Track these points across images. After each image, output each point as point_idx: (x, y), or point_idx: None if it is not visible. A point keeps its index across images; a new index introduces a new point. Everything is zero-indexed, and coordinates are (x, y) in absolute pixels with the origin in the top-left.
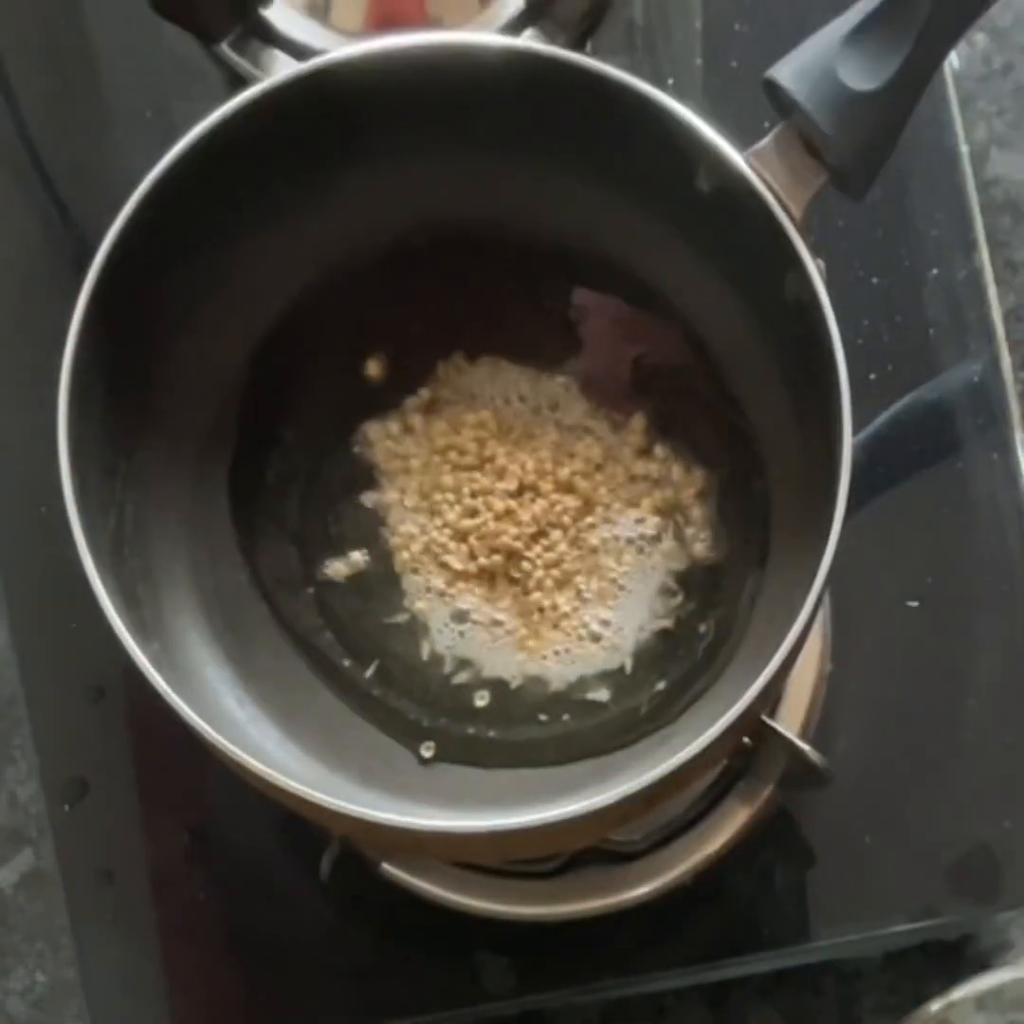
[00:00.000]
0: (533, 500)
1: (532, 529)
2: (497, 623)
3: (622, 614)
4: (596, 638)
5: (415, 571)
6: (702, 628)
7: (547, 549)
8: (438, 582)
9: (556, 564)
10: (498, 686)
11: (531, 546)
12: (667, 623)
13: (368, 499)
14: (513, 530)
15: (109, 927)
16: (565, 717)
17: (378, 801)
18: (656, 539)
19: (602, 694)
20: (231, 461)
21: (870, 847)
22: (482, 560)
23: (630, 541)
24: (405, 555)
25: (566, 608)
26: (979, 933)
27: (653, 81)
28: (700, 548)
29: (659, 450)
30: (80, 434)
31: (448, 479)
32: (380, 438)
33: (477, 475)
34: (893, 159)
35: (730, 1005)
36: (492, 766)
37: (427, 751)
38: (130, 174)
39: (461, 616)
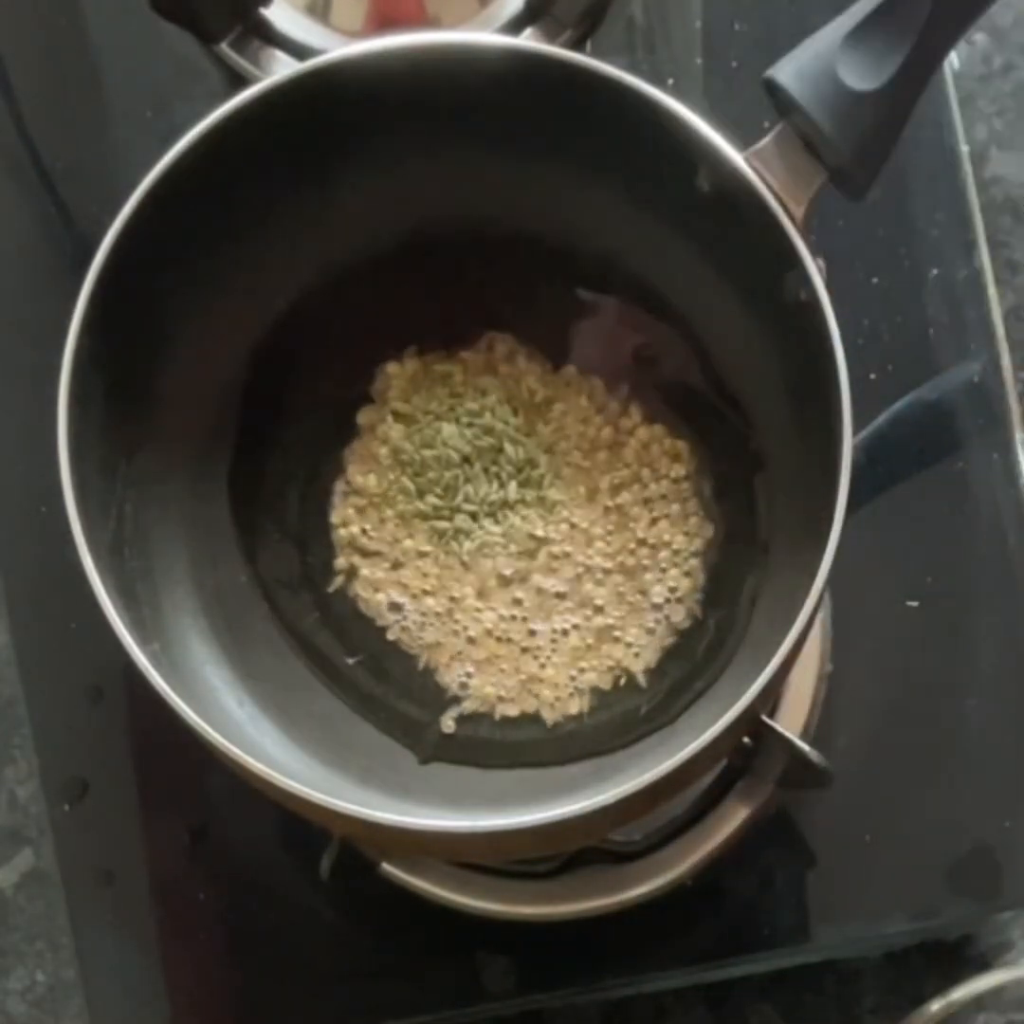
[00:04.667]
0: (534, 499)
1: (530, 529)
2: (497, 624)
3: (621, 614)
4: (596, 638)
5: (417, 572)
6: (702, 628)
7: (549, 550)
8: (438, 582)
9: (557, 566)
10: (498, 687)
11: (532, 548)
12: (667, 623)
13: (370, 495)
14: (515, 528)
15: (109, 927)
16: (565, 717)
17: (378, 801)
18: (654, 539)
19: (602, 694)
20: (231, 461)
21: (870, 847)
22: (483, 559)
23: (629, 541)
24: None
25: (565, 608)
26: (979, 933)
27: (653, 81)
28: (699, 548)
29: (658, 449)
30: (80, 434)
31: (449, 477)
32: (380, 436)
33: (480, 473)
34: (893, 159)
35: (730, 1005)
36: (492, 766)
37: (450, 724)
38: (130, 174)
39: (462, 616)
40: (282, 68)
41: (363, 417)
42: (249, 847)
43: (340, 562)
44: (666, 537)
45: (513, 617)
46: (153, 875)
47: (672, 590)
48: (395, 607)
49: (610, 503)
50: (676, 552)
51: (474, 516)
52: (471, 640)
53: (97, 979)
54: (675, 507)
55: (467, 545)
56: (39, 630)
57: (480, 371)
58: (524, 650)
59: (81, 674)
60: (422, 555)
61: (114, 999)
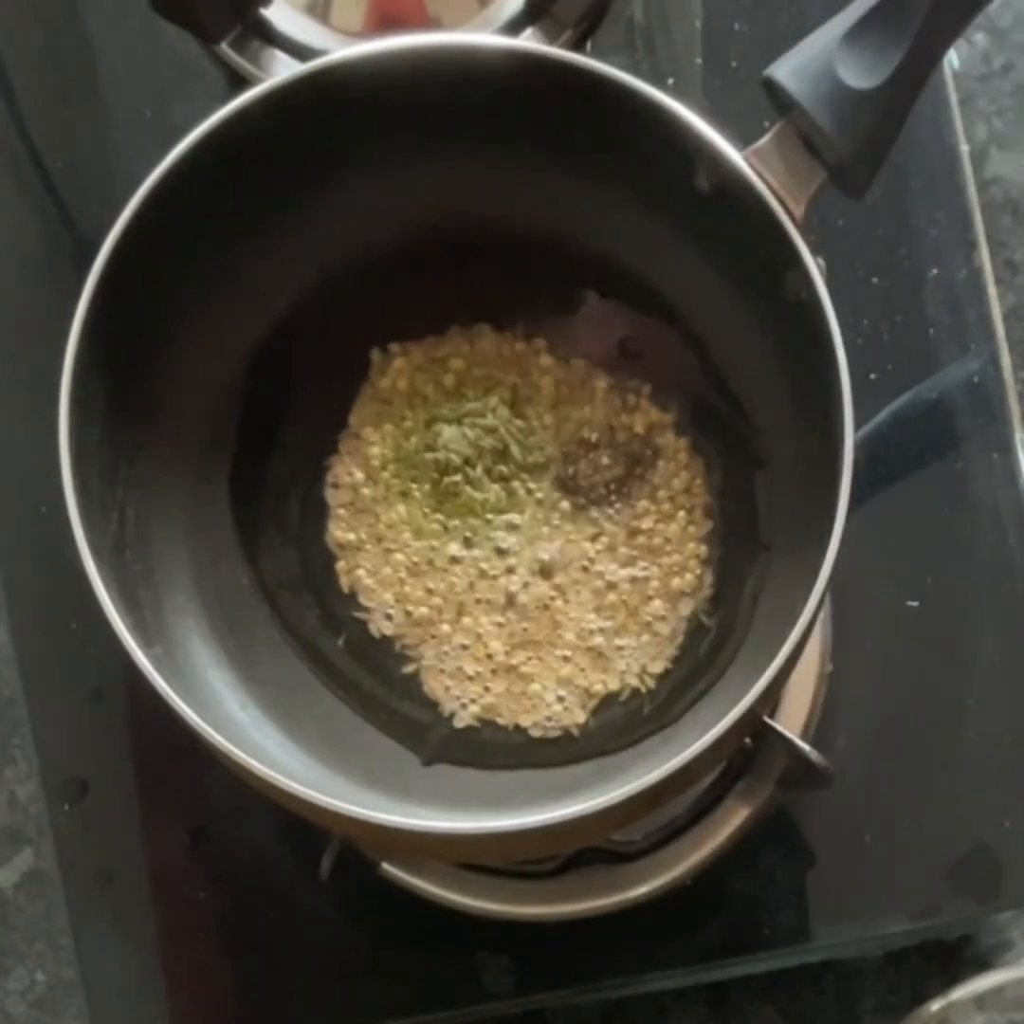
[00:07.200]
0: (537, 502)
1: (533, 532)
2: (499, 629)
3: (625, 617)
4: (600, 642)
5: (418, 575)
6: (704, 628)
7: (552, 554)
8: (439, 586)
9: (560, 570)
10: (499, 693)
11: (535, 552)
12: (670, 624)
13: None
14: (518, 533)
15: (109, 927)
16: (566, 719)
17: (381, 803)
18: (657, 540)
19: (603, 694)
20: (232, 463)
21: (870, 847)
22: (485, 564)
23: (632, 543)
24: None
25: (568, 611)
26: (979, 933)
27: (653, 81)
28: (700, 548)
29: (660, 450)
30: (81, 437)
31: (449, 481)
32: (380, 438)
33: (483, 475)
34: (893, 158)
35: (730, 1005)
36: (494, 767)
37: (453, 727)
38: (130, 174)
39: (464, 622)
40: (282, 68)
41: (362, 419)
42: (249, 847)
43: (341, 565)
44: (670, 539)
45: (516, 621)
46: (153, 875)
47: (675, 591)
48: (396, 611)
49: (614, 505)
50: (679, 553)
51: (476, 521)
52: (472, 646)
53: (97, 979)
54: (678, 508)
55: (469, 551)
56: (39, 630)
57: (482, 371)
58: (527, 657)
59: (81, 674)
60: (424, 560)
61: (114, 999)
